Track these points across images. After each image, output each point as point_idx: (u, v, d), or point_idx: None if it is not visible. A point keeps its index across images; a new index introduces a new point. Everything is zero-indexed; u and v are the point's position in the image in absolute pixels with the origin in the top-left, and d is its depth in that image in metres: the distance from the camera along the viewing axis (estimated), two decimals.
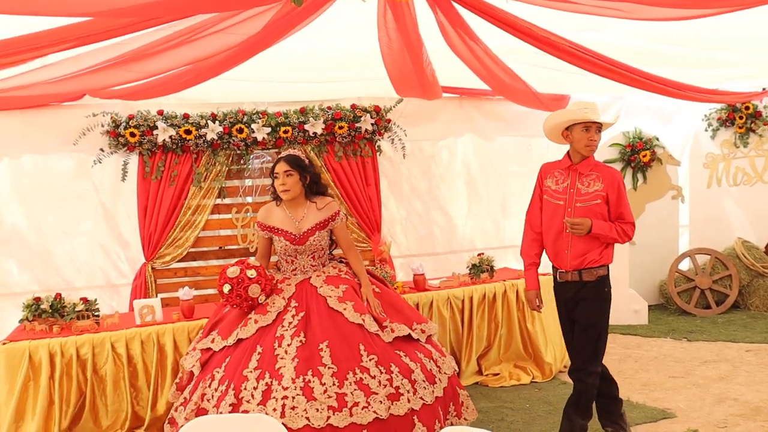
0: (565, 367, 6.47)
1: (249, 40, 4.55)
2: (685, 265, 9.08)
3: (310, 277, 4.67)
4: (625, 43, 5.89)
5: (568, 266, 4.54)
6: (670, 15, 4.53)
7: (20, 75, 4.85)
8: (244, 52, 4.74)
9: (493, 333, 6.35)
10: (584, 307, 4.55)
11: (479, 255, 6.59)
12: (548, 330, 6.39)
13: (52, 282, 6.39)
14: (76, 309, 5.51)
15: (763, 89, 9.04)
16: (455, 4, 4.44)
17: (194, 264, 6.86)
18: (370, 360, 4.24)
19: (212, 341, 4.56)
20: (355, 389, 4.10)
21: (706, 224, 9.35)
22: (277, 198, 4.78)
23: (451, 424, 4.52)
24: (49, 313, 5.46)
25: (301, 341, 4.27)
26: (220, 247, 6.96)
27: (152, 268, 6.57)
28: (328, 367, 4.16)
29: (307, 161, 4.78)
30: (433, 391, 4.35)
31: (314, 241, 4.69)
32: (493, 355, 6.37)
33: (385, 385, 4.16)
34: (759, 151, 9.14)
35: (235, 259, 6.80)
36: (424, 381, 4.33)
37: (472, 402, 4.89)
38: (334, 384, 4.09)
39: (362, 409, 4.05)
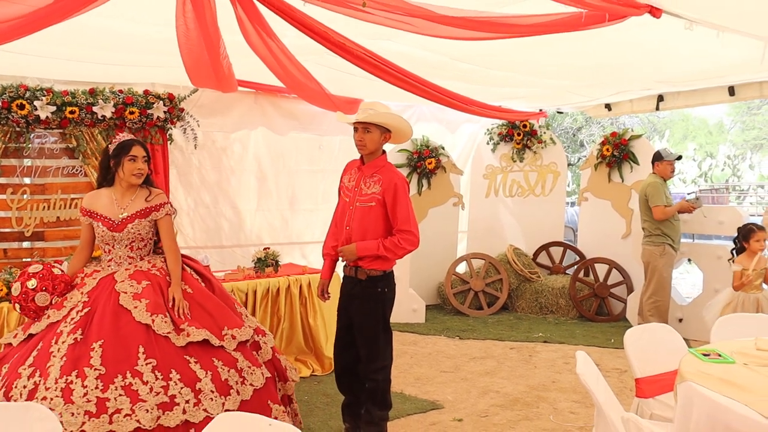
0: None
1: (38, 12, 4.32)
2: (461, 268, 9.65)
3: (117, 271, 4.34)
4: (418, 55, 6.18)
5: (349, 262, 4.68)
6: (456, 34, 4.82)
7: None
8: (30, 24, 4.46)
9: (275, 327, 6.42)
10: (357, 305, 4.65)
11: (265, 249, 6.63)
12: (329, 325, 6.53)
13: None
14: None
15: (540, 110, 9.84)
16: (255, 2, 4.48)
17: None
18: (147, 364, 3.88)
19: (15, 336, 4.22)
20: (120, 395, 3.74)
21: (483, 231, 10.02)
22: (107, 180, 4.46)
23: None
24: None
25: (75, 339, 3.93)
26: None
27: None
28: (95, 369, 3.81)
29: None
30: (223, 404, 3.95)
31: (132, 229, 4.38)
32: None
33: (158, 393, 3.80)
34: (533, 167, 9.90)
35: (7, 244, 6.51)
36: (212, 392, 3.94)
37: (288, 418, 4.52)
38: (97, 387, 3.75)
39: (124, 417, 3.68)
